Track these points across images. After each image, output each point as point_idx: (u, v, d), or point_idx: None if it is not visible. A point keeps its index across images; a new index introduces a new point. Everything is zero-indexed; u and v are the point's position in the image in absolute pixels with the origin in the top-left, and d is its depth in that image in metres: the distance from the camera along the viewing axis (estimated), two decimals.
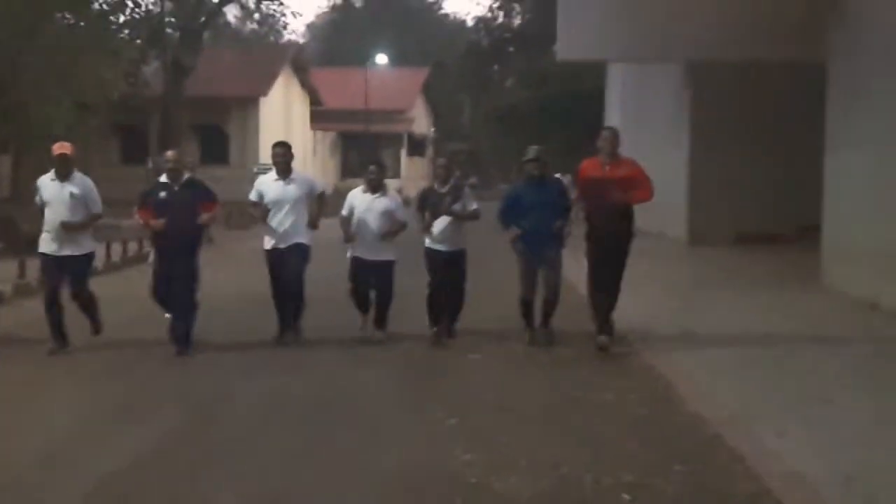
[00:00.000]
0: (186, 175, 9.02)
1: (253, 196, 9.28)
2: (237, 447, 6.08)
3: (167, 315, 9.02)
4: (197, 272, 8.99)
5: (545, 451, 5.88)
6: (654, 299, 11.09)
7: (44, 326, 9.05)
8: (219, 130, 33.03)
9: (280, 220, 9.01)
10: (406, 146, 48.31)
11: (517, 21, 46.76)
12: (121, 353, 8.85)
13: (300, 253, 9.08)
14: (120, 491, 5.25)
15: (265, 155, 29.71)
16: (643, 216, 8.81)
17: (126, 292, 11.66)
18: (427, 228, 9.14)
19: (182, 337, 8.84)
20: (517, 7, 45.52)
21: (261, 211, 9.09)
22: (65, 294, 9.05)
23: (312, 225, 9.22)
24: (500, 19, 46.63)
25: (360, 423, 6.64)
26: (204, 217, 8.84)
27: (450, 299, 9.29)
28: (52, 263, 8.95)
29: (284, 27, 35.12)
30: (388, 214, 9.21)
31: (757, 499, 5.07)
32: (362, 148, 40.64)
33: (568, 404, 7.12)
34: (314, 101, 40.81)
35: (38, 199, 9.06)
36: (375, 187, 9.27)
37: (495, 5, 46.06)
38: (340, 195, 10.01)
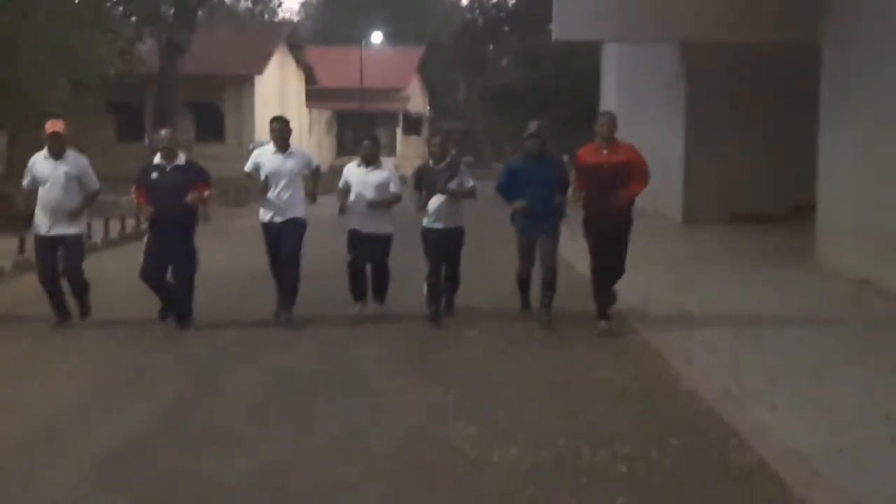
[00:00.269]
0: (181, 155, 9.03)
1: (248, 167, 9.27)
2: (239, 420, 6.17)
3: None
4: (194, 251, 9.02)
5: (543, 425, 5.99)
6: (651, 278, 11.17)
7: (44, 303, 9.13)
8: (214, 108, 32.95)
9: (277, 193, 9.00)
10: (402, 125, 48.21)
11: (512, 0, 46.67)
12: (121, 329, 8.92)
13: (297, 228, 9.08)
14: (125, 463, 5.34)
15: (260, 133, 29.98)
16: (639, 196, 8.84)
17: (125, 268, 11.70)
18: (423, 207, 9.13)
19: (182, 312, 8.94)
20: None
21: (260, 183, 9.06)
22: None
23: (311, 198, 9.29)
24: None
25: (360, 397, 6.73)
26: (192, 195, 8.78)
27: (447, 277, 9.31)
28: (47, 243, 8.98)
29: (279, 5, 35.06)
30: (382, 187, 9.24)
31: (751, 471, 5.18)
32: (358, 126, 40.56)
33: (565, 380, 7.24)
34: (309, 79, 40.72)
35: (27, 180, 9.06)
36: (370, 161, 9.32)
37: None
38: (336, 173, 10.04)
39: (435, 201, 9.11)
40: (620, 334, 8.67)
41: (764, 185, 17.93)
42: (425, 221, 9.21)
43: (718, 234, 16.57)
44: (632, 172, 8.64)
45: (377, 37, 48.16)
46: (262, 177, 9.05)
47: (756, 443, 5.58)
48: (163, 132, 9.17)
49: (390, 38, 50.90)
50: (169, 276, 8.97)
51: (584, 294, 9.10)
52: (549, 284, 9.00)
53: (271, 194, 9.00)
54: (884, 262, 10.64)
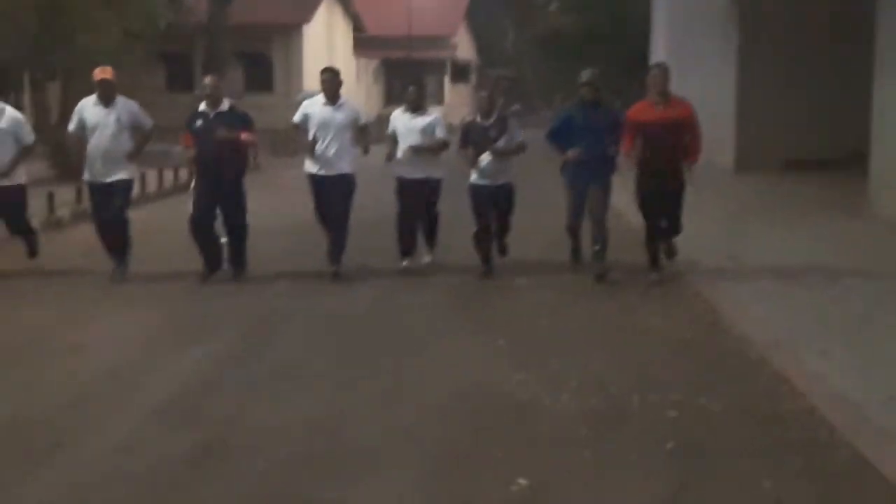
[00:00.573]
0: (225, 101, 8.98)
1: (297, 118, 9.19)
2: (294, 368, 6.32)
3: (223, 239, 9.21)
4: (243, 198, 9.06)
5: (593, 372, 6.06)
6: (703, 227, 11.10)
7: (101, 252, 9.30)
8: (263, 58, 33.04)
9: (325, 145, 8.93)
10: (449, 73, 47.98)
11: None
12: (176, 279, 9.02)
13: (346, 186, 9.00)
14: (185, 406, 5.52)
15: (309, 83, 30.00)
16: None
17: (180, 218, 11.92)
18: (473, 164, 8.94)
19: (236, 263, 9.09)
20: None
21: (308, 141, 8.99)
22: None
23: (364, 150, 9.18)
24: None
25: (411, 346, 6.86)
26: (220, 131, 8.67)
27: (497, 230, 9.20)
28: (102, 190, 9.06)
29: None
30: (428, 131, 9.14)
31: (801, 417, 5.22)
32: (405, 75, 40.44)
33: (615, 328, 7.29)
34: (357, 27, 40.58)
35: (73, 124, 9.09)
36: (416, 107, 9.24)
37: None
38: (384, 122, 9.99)
39: (485, 158, 8.93)
40: (672, 284, 8.66)
41: (819, 130, 17.60)
42: (473, 177, 9.05)
43: (772, 182, 16.36)
44: (686, 131, 8.41)
45: None
46: (311, 130, 8.99)
47: (806, 389, 5.61)
48: (207, 79, 9.10)
49: None
50: (218, 229, 9.01)
51: (635, 243, 9.09)
52: (601, 238, 8.79)
53: (319, 146, 8.94)
54: None
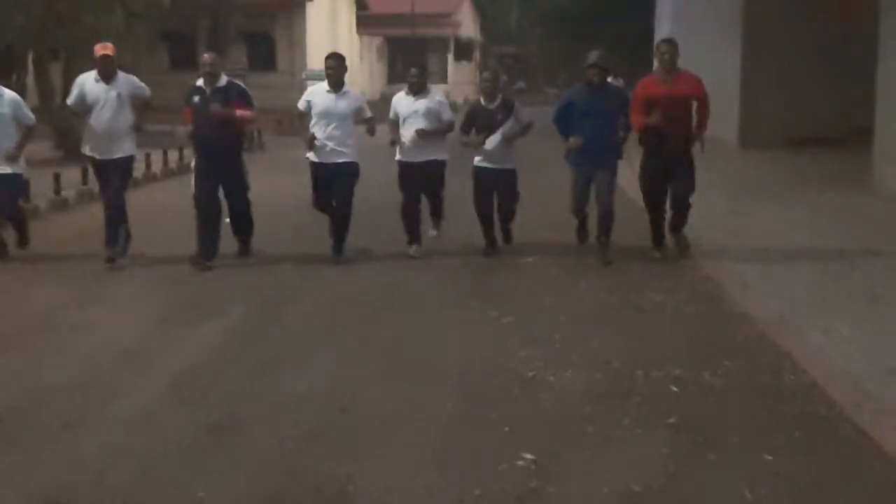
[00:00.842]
0: (223, 77, 8.88)
1: (301, 105, 9.09)
2: (304, 344, 6.42)
3: (226, 220, 9.24)
4: (243, 175, 9.01)
5: (597, 348, 6.14)
6: (706, 203, 11.12)
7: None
8: (267, 38, 33.03)
9: (328, 133, 8.83)
10: (453, 51, 47.87)
11: None
12: (183, 259, 8.90)
13: (349, 176, 8.92)
14: (199, 381, 5.61)
15: (312, 62, 29.99)
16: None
17: (185, 198, 11.99)
18: (479, 145, 8.88)
19: (241, 239, 9.13)
20: None
21: (308, 134, 8.85)
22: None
23: (370, 132, 9.03)
24: None
25: (418, 322, 6.94)
26: (214, 107, 8.58)
27: (501, 210, 9.17)
28: (107, 167, 8.97)
29: None
30: (432, 113, 9.02)
31: (802, 391, 5.30)
32: (409, 53, 40.38)
33: (619, 304, 7.36)
34: (360, 5, 40.51)
35: (73, 98, 9.00)
36: (417, 89, 9.10)
37: None
38: (387, 101, 9.93)
39: (491, 141, 8.87)
40: (675, 260, 8.71)
41: (822, 108, 17.60)
42: (476, 160, 9.03)
43: (775, 159, 16.39)
44: (694, 106, 8.35)
45: None
46: (314, 119, 8.86)
47: (808, 364, 5.68)
48: (205, 56, 8.93)
49: None
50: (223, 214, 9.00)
51: (639, 221, 9.13)
52: (606, 224, 8.71)
53: (321, 134, 8.83)
54: None
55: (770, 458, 4.42)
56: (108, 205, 9.00)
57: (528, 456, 4.44)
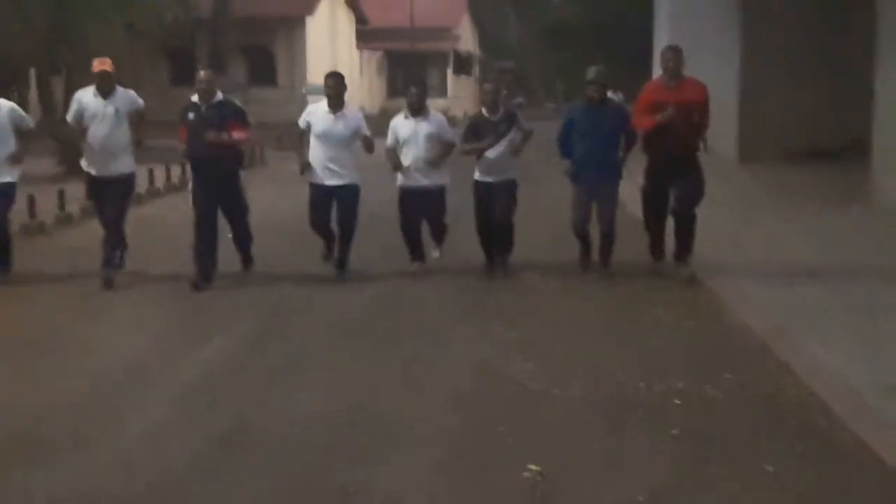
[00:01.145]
0: (218, 94, 8.76)
1: (301, 123, 9.01)
2: (308, 358, 6.48)
3: (229, 235, 9.25)
4: (241, 193, 8.93)
5: (601, 362, 6.21)
6: (706, 216, 11.19)
7: None
8: (266, 52, 33.19)
9: (326, 154, 8.77)
10: (452, 65, 48.00)
11: None
12: (187, 274, 8.77)
13: (352, 198, 8.88)
14: (205, 396, 5.68)
15: (312, 76, 30.10)
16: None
17: (186, 213, 12.05)
18: (481, 151, 8.78)
19: (243, 255, 9.12)
20: None
21: (303, 159, 8.84)
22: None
23: (368, 150, 8.94)
24: None
25: (422, 337, 7.00)
26: (209, 135, 8.42)
27: (500, 232, 9.04)
28: (103, 184, 8.89)
29: None
30: (433, 137, 8.92)
31: (803, 404, 5.36)
32: (408, 67, 40.52)
33: (620, 318, 7.44)
34: (359, 19, 40.67)
35: (72, 115, 8.91)
36: (417, 110, 8.97)
37: None
38: (387, 116, 9.83)
39: (492, 153, 8.82)
40: (674, 272, 8.77)
41: (821, 120, 17.63)
42: (477, 175, 8.96)
43: (775, 171, 16.42)
44: (697, 112, 8.34)
45: None
46: (312, 140, 8.80)
47: (808, 377, 5.75)
48: (201, 72, 8.79)
49: None
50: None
51: (640, 234, 9.16)
52: (607, 245, 8.72)
53: (320, 154, 8.78)
54: None
55: (771, 468, 4.49)
56: (107, 226, 8.91)
57: (534, 467, 4.50)
